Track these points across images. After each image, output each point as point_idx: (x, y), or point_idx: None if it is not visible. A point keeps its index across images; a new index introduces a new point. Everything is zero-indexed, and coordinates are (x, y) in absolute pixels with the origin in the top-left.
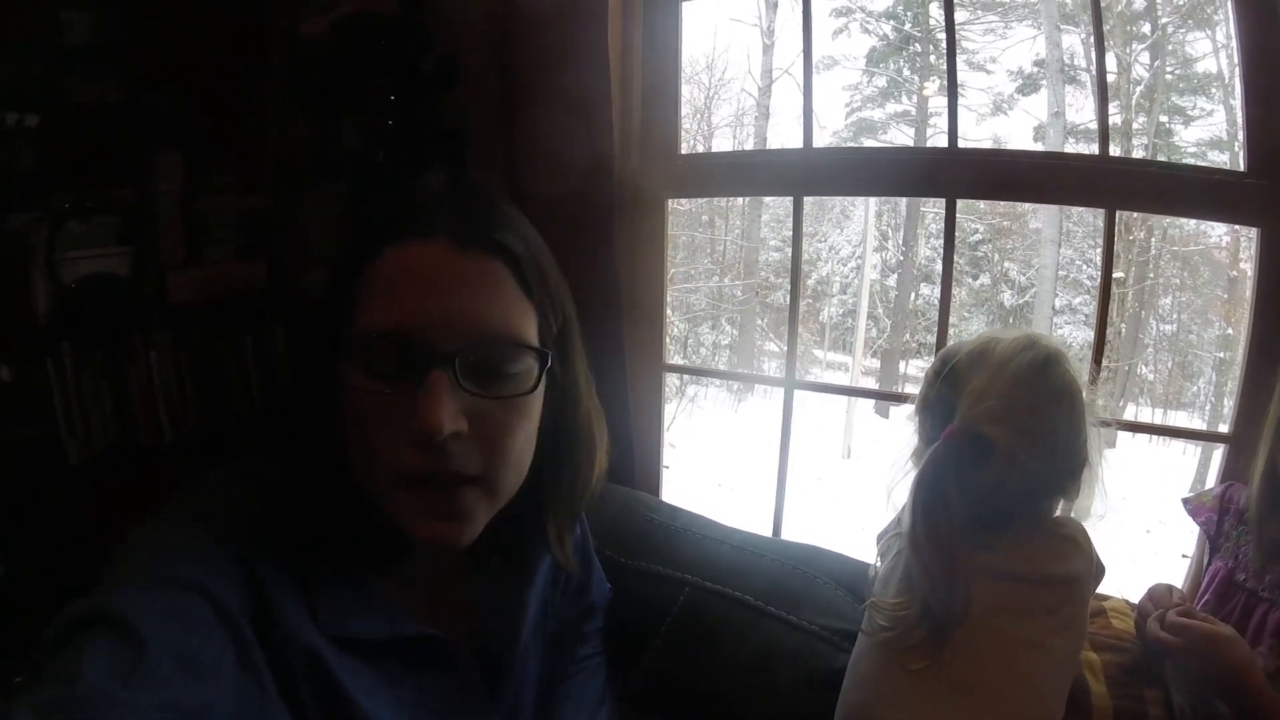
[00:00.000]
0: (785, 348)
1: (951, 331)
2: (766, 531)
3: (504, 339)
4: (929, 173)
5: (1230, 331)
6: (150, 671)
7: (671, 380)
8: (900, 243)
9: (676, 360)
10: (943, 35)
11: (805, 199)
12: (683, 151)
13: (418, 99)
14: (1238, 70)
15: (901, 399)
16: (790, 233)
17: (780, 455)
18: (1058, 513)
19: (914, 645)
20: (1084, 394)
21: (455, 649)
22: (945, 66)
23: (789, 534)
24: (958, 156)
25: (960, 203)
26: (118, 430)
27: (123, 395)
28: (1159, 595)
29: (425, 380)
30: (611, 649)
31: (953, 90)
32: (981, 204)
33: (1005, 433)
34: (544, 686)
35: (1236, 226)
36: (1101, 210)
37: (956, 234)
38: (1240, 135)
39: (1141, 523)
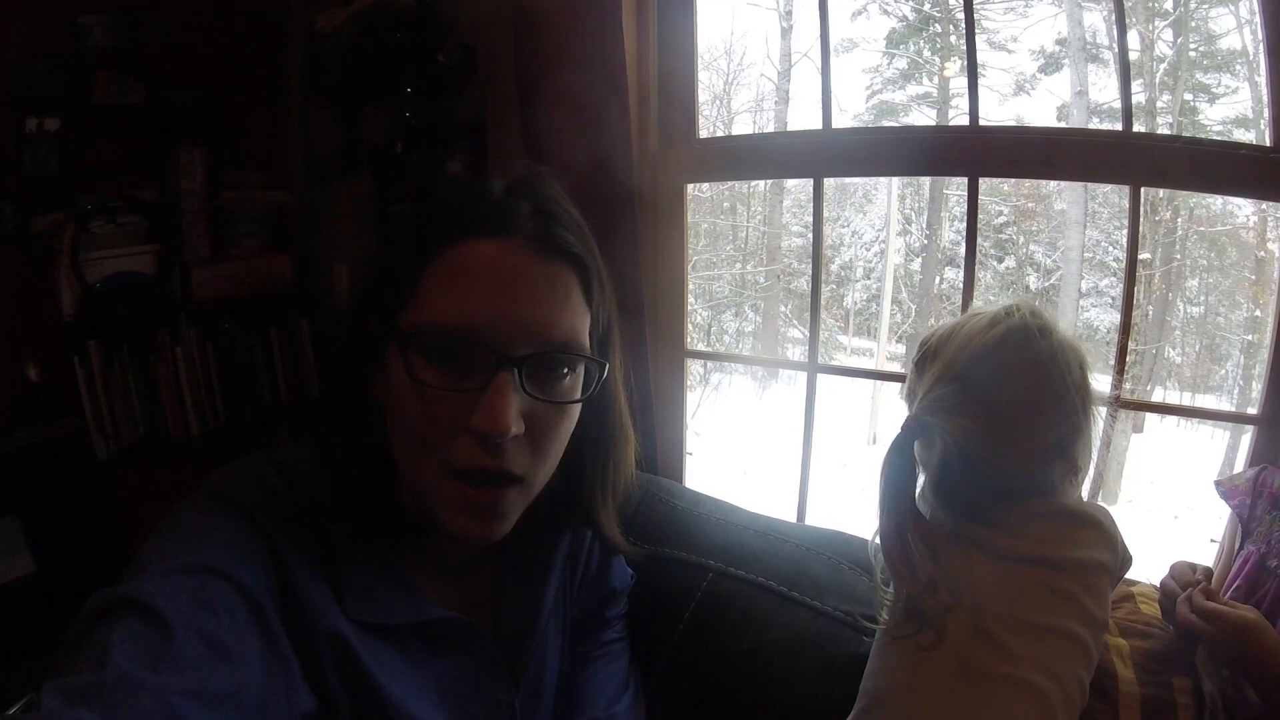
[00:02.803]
0: (808, 333)
1: None
2: (791, 518)
3: (569, 348)
4: (951, 151)
5: (1258, 314)
6: (178, 656)
7: (695, 368)
8: (924, 226)
9: (700, 348)
10: (963, 15)
11: (826, 183)
12: (701, 136)
13: (436, 91)
14: (1262, 45)
15: None
16: (811, 218)
17: (804, 441)
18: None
19: (912, 634)
20: (1076, 366)
21: (477, 632)
22: (966, 47)
23: (813, 521)
24: (979, 134)
25: (984, 185)
26: (146, 426)
27: (150, 391)
28: (1182, 573)
29: (493, 381)
30: (635, 635)
31: (973, 71)
32: (1005, 185)
33: (956, 421)
34: (566, 670)
35: (1264, 205)
36: (1127, 190)
37: (980, 216)
38: (1266, 112)
39: (1169, 508)
